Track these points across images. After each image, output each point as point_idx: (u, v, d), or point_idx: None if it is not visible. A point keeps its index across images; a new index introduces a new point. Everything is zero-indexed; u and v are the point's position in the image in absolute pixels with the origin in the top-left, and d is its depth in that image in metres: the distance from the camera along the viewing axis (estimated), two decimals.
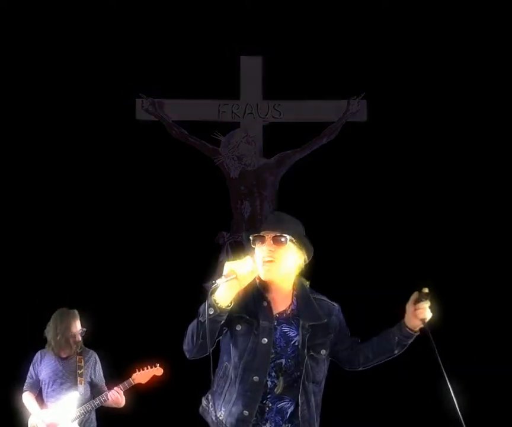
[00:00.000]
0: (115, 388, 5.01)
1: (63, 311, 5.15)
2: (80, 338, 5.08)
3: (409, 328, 2.91)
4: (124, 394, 5.05)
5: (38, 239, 6.30)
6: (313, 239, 2.98)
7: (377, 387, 5.65)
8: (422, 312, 2.86)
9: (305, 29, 6.35)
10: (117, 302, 6.09)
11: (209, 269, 6.22)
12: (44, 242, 6.28)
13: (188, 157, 6.48)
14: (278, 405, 2.85)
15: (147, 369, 5.09)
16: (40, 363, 5.13)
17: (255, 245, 2.87)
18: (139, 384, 5.07)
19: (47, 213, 6.30)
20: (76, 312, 5.16)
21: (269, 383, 2.83)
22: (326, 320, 2.91)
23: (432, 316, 2.88)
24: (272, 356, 2.83)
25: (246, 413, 2.80)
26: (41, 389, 5.12)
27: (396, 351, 2.97)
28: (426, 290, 2.87)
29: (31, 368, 5.16)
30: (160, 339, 5.65)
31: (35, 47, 6.34)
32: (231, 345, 2.87)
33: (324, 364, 2.94)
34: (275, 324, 2.86)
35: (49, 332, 5.10)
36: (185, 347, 2.83)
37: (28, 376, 5.17)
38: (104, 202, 6.34)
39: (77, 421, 4.95)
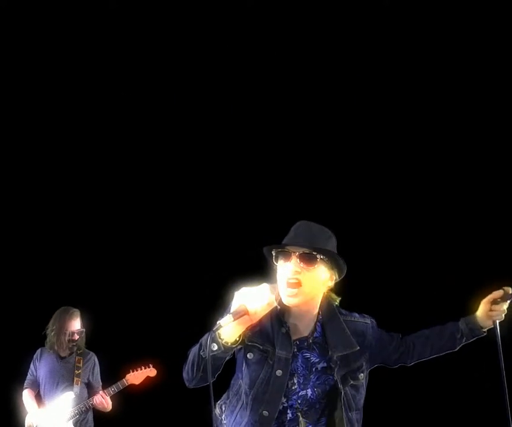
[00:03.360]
0: (100, 392, 5.04)
1: (63, 309, 5.17)
2: (76, 338, 5.08)
3: (481, 327, 2.69)
4: (118, 395, 5.09)
5: (39, 239, 6.35)
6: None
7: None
8: (499, 313, 2.64)
9: (305, 28, 6.33)
10: (113, 303, 6.12)
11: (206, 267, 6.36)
12: (45, 242, 6.32)
13: (190, 156, 6.46)
14: None
15: (141, 369, 5.13)
16: (40, 360, 5.15)
17: (277, 261, 2.49)
18: (133, 385, 5.10)
19: (48, 214, 6.35)
20: (76, 311, 5.16)
21: (289, 415, 2.58)
22: (358, 347, 2.58)
23: (504, 320, 2.67)
24: (295, 387, 2.55)
25: None
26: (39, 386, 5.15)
27: (457, 348, 2.76)
28: (510, 290, 2.63)
29: (31, 365, 5.19)
30: (154, 340, 5.70)
31: (35, 47, 6.33)
32: (243, 369, 2.59)
33: (363, 387, 2.67)
34: (295, 350, 2.56)
35: (48, 329, 5.14)
36: (184, 376, 2.55)
37: (28, 373, 5.19)
38: (104, 203, 6.36)
39: (71, 421, 4.98)
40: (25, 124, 6.37)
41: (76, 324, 5.11)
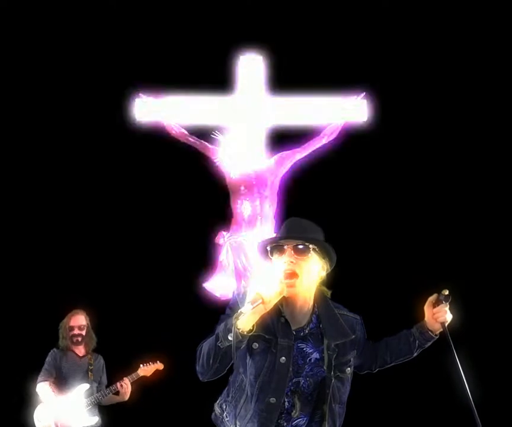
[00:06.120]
0: (124, 378, 5.51)
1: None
2: (76, 332, 5.53)
3: (430, 331, 2.79)
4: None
5: (46, 242, 6.40)
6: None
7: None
8: (442, 315, 2.73)
9: (306, 27, 6.35)
10: (120, 302, 6.25)
11: (209, 269, 6.38)
12: (54, 244, 6.37)
13: (188, 157, 6.46)
14: (293, 423, 2.72)
15: (151, 364, 5.69)
16: (59, 359, 5.50)
17: (272, 255, 2.64)
18: (144, 377, 5.64)
19: (50, 216, 6.38)
20: (77, 310, 5.64)
21: (286, 404, 2.69)
22: (353, 336, 2.72)
23: (453, 319, 2.74)
24: (290, 375, 2.66)
25: None
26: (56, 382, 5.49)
27: (415, 354, 2.87)
28: (446, 292, 2.71)
29: (49, 363, 5.47)
30: (159, 336, 5.93)
31: (36, 47, 6.35)
32: (247, 361, 2.69)
33: (349, 383, 2.78)
34: (292, 340, 2.68)
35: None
36: (198, 369, 2.65)
37: (44, 369, 5.46)
38: (105, 203, 6.35)
39: (87, 410, 5.39)
40: (24, 122, 6.37)
41: (75, 320, 5.60)
